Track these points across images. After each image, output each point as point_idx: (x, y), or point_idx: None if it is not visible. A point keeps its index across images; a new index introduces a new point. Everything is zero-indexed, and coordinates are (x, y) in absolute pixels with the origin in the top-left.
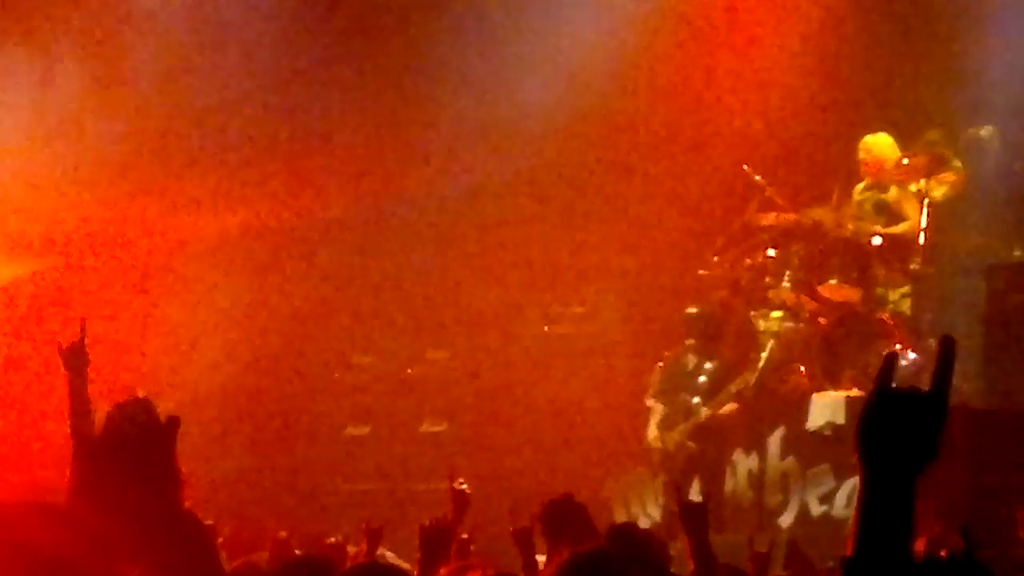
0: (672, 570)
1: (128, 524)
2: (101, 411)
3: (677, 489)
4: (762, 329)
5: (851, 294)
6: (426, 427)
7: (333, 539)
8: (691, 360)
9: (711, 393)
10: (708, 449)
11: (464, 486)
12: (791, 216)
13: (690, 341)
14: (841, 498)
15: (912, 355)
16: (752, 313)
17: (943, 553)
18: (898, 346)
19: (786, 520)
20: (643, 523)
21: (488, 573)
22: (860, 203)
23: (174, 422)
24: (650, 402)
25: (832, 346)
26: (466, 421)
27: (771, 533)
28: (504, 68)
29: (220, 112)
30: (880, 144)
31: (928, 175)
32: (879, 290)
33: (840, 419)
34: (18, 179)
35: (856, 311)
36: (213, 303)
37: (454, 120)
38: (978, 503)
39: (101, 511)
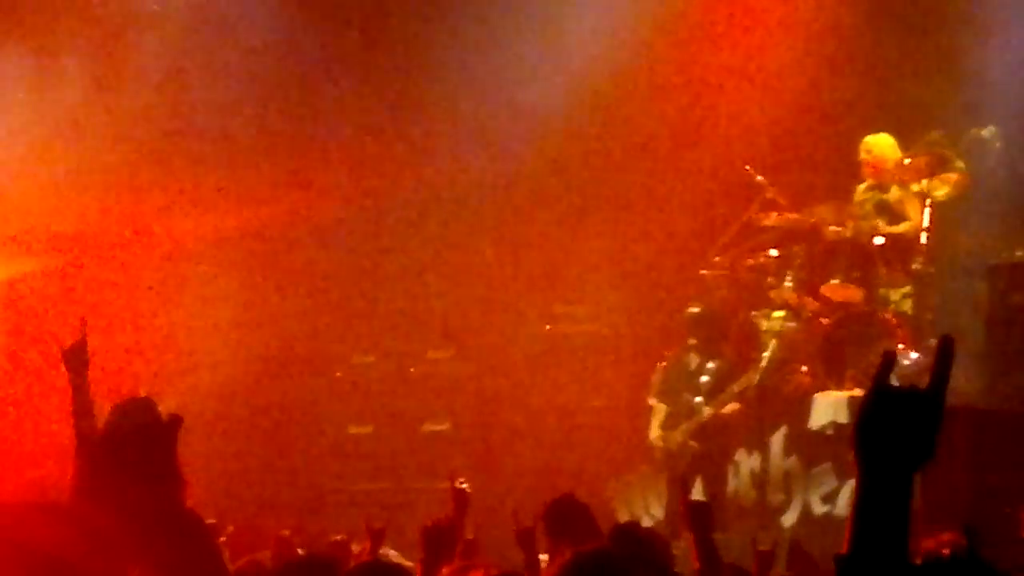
0: (675, 569)
1: (130, 524)
2: (103, 411)
3: (683, 488)
4: (764, 329)
5: (853, 294)
6: (428, 426)
7: (338, 537)
8: (693, 360)
9: (713, 393)
10: (711, 449)
11: (465, 485)
12: (793, 216)
13: (692, 341)
14: (844, 497)
15: (914, 355)
16: (754, 313)
17: (946, 552)
18: (900, 346)
19: (789, 519)
20: (646, 522)
21: (491, 573)
22: (862, 203)
23: (176, 421)
24: (652, 402)
25: (834, 346)
26: (468, 420)
27: (774, 532)
28: (504, 67)
29: (220, 112)
30: (881, 144)
31: (930, 175)
32: (881, 290)
33: (842, 418)
34: (19, 179)
35: (858, 311)
36: (214, 302)
37: (455, 119)
38: (980, 503)
39: (103, 511)
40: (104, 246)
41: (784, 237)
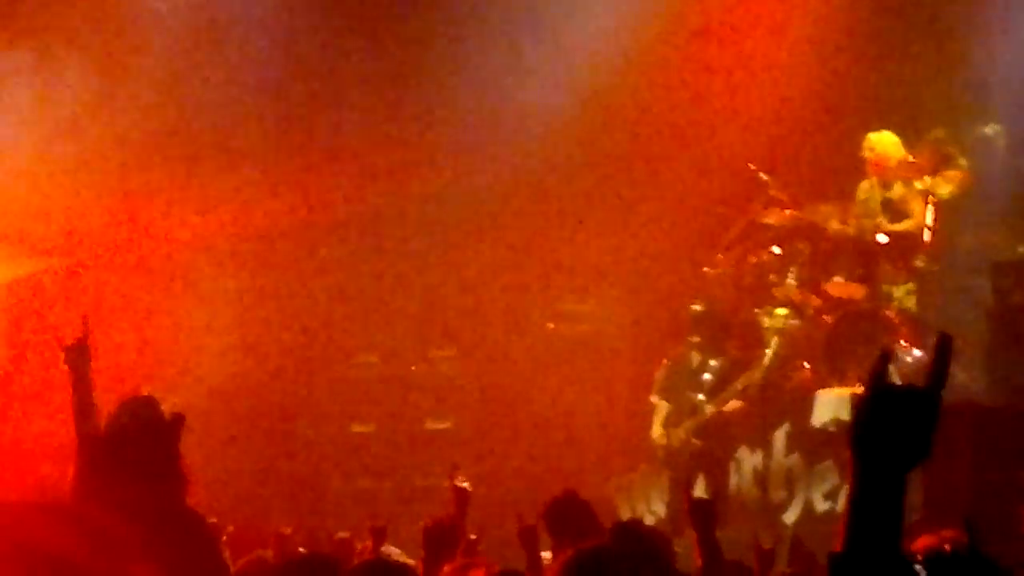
0: (677, 567)
1: (132, 522)
2: (105, 409)
3: (687, 488)
4: (767, 326)
5: (856, 291)
6: (430, 425)
7: (340, 535)
8: (696, 357)
9: (716, 390)
10: (713, 446)
11: (465, 484)
12: (796, 214)
13: (695, 339)
14: (846, 495)
15: (917, 352)
16: (757, 311)
17: (947, 548)
18: (903, 343)
19: (791, 516)
20: (648, 520)
21: (492, 570)
22: (865, 201)
23: (178, 420)
24: (655, 399)
25: (837, 343)
26: (470, 419)
27: (776, 530)
28: (507, 68)
29: (224, 111)
30: (884, 142)
31: (933, 173)
32: (884, 287)
33: (845, 416)
34: (21, 179)
35: (861, 308)
36: (217, 301)
37: (458, 120)
38: (981, 499)
39: (105, 509)
40: (105, 246)
41: (787, 235)
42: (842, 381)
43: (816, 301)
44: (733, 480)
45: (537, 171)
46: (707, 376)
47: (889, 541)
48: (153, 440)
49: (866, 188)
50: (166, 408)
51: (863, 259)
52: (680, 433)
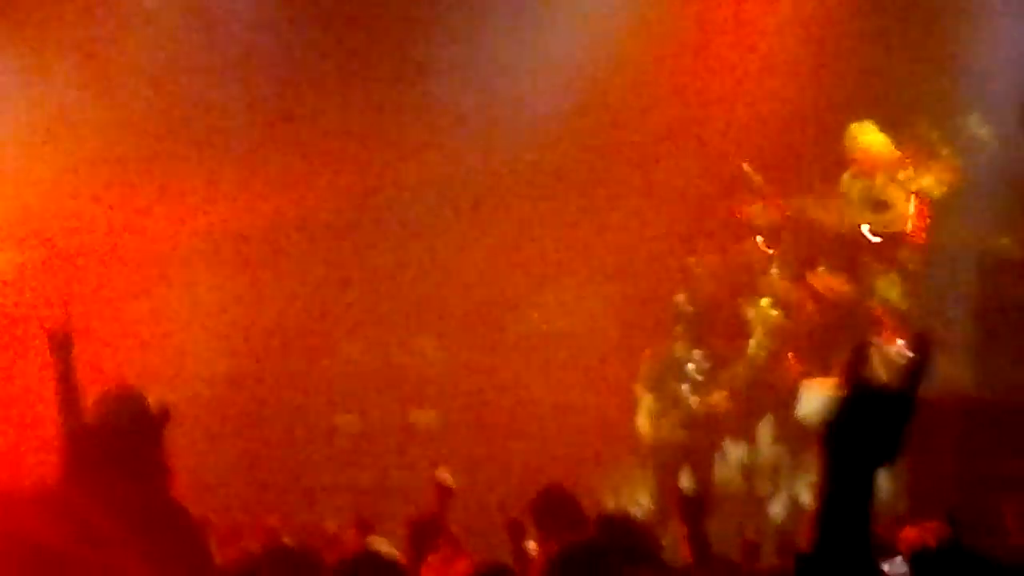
0: (663, 559)
1: (117, 514)
2: (89, 402)
3: (679, 489)
4: (751, 318)
5: (840, 283)
6: (414, 416)
7: (325, 527)
8: (681, 349)
9: (701, 382)
10: (698, 438)
11: (447, 477)
12: (780, 205)
13: (679, 331)
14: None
15: (901, 342)
16: (741, 302)
17: (932, 543)
18: (887, 335)
19: (776, 509)
20: (633, 511)
21: (476, 561)
22: (848, 193)
23: (164, 413)
24: (640, 391)
25: (822, 335)
26: (454, 410)
27: (760, 522)
28: (496, 61)
29: (212, 107)
30: (868, 133)
31: (917, 165)
32: (868, 279)
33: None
34: (11, 174)
35: (845, 300)
36: (200, 294)
37: (446, 111)
38: (967, 492)
39: (90, 501)
40: (95, 240)
41: (771, 227)
42: (827, 372)
43: (801, 293)
44: (718, 472)
45: (523, 164)
46: (692, 367)
47: (857, 540)
48: (138, 433)
49: (849, 180)
50: (150, 401)
51: (847, 251)
52: (665, 425)
